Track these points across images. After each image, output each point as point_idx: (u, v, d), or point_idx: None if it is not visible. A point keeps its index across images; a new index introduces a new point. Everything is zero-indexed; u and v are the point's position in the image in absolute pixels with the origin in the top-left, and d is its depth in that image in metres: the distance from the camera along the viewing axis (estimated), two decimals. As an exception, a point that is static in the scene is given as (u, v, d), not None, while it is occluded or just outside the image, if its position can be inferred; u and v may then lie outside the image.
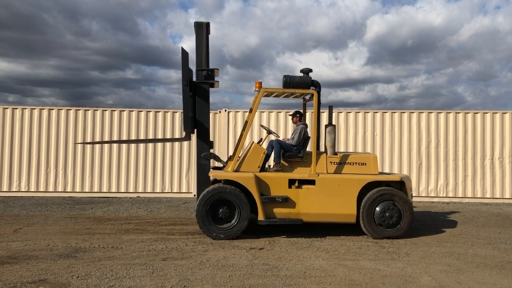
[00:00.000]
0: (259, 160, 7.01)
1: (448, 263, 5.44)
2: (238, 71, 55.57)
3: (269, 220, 6.77)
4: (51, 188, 11.86)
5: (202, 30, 7.18)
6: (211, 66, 7.31)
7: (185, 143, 12.05)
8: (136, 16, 50.62)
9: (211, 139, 7.60)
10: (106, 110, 12.12)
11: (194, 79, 7.26)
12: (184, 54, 6.87)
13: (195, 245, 6.26)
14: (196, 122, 7.25)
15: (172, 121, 12.14)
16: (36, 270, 4.93)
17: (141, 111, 12.17)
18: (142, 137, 12.04)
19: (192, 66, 7.23)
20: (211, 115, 8.71)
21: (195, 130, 7.31)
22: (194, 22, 7.21)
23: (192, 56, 7.21)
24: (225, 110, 12.22)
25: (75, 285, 4.45)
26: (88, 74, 48.02)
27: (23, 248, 5.93)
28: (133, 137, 12.02)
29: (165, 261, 5.36)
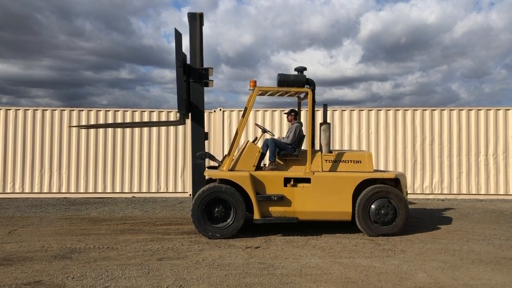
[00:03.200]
0: (254, 159, 7.01)
1: (443, 260, 5.47)
2: (233, 70, 55.52)
3: (264, 218, 6.77)
4: (45, 189, 11.81)
5: (195, 20, 7.16)
6: (205, 65, 7.29)
7: (180, 143, 12.04)
8: (129, 15, 50.48)
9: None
10: (100, 111, 12.07)
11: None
12: (178, 35, 6.86)
13: (191, 244, 6.25)
14: (191, 105, 7.22)
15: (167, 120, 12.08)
16: (31, 271, 4.90)
17: (136, 111, 12.12)
18: (136, 138, 11.99)
19: (187, 56, 7.21)
20: (205, 114, 8.65)
21: (190, 114, 7.28)
22: (188, 13, 7.20)
23: (187, 52, 7.23)
24: (220, 110, 12.20)
25: (71, 286, 4.42)
26: (82, 74, 47.81)
27: (17, 250, 5.89)
28: (128, 139, 11.97)
29: (161, 261, 5.35)
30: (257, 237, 6.73)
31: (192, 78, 7.15)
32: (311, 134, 7.15)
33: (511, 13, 41.74)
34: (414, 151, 11.88)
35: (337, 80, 51.74)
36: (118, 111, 12.06)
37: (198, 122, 7.24)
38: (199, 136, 7.24)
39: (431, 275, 4.84)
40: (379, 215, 6.83)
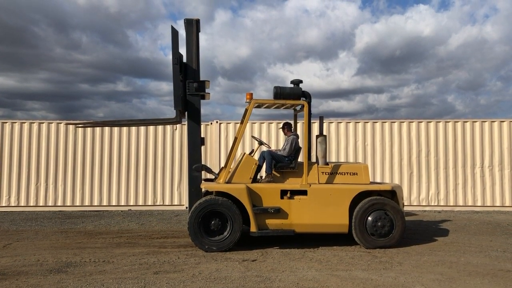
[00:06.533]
0: (250, 171, 7.01)
1: (440, 272, 5.46)
2: (230, 83, 55.72)
3: (261, 231, 6.75)
4: (41, 203, 11.74)
5: (192, 27, 7.27)
6: (202, 77, 7.37)
7: (177, 156, 12.03)
8: (126, 28, 50.69)
9: (202, 151, 7.57)
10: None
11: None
12: (174, 32, 6.96)
13: (187, 257, 6.22)
14: (187, 103, 7.26)
15: (163, 133, 12.10)
16: (26, 286, 4.86)
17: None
18: (133, 151, 11.98)
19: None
20: (202, 126, 8.63)
21: (186, 113, 7.33)
22: (184, 19, 7.31)
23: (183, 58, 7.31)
24: (217, 122, 12.23)
25: (66, 300, 4.39)
26: (78, 87, 47.81)
27: (12, 264, 5.84)
28: (124, 152, 11.97)
29: (157, 274, 5.32)
30: (253, 250, 6.70)
31: (188, 77, 7.23)
32: (307, 146, 7.17)
33: (505, 25, 42.27)
34: (410, 163, 11.92)
35: (333, 92, 52.00)
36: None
37: (195, 119, 7.28)
38: (196, 136, 7.28)
39: (428, 287, 4.83)
40: (376, 227, 6.83)
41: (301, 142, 7.46)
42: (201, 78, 7.35)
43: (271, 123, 12.15)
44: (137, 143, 12.05)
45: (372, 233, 6.85)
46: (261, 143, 7.70)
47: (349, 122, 12.18)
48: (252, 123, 12.13)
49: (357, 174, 7.14)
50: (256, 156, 7.55)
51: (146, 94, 56.17)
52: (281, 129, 7.89)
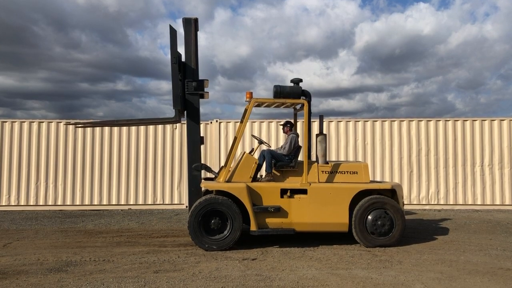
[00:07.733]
0: (250, 170, 7.01)
1: (440, 271, 5.46)
2: (229, 82, 55.73)
3: (261, 230, 6.76)
4: (41, 202, 11.75)
5: (190, 26, 7.28)
6: (201, 76, 7.39)
7: (176, 155, 12.03)
8: (126, 27, 50.66)
9: (202, 150, 7.58)
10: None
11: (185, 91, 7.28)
12: (173, 32, 6.99)
13: (187, 256, 6.22)
14: (186, 102, 7.28)
15: (163, 132, 12.11)
16: (26, 285, 4.86)
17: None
18: (133, 150, 11.99)
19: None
20: (202, 125, 8.67)
21: (185, 112, 7.34)
22: (183, 18, 7.32)
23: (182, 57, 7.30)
24: (216, 121, 12.23)
25: (66, 299, 4.39)
26: (78, 86, 47.81)
27: (12, 263, 5.85)
28: (124, 150, 11.97)
29: (157, 273, 5.32)
30: (253, 249, 6.71)
31: (187, 76, 7.24)
32: (307, 145, 7.17)
33: (505, 24, 42.26)
34: (410, 162, 11.92)
35: (333, 91, 52.01)
36: (115, 123, 12.02)
37: (194, 119, 7.28)
38: (195, 135, 7.29)
39: (428, 286, 4.84)
40: (376, 226, 6.83)
41: (301, 141, 7.46)
42: (200, 77, 7.36)
43: (271, 122, 12.15)
44: (137, 142, 12.05)
45: (372, 232, 6.85)
46: (261, 142, 7.70)
47: (349, 121, 12.18)
48: (252, 122, 12.12)
49: (357, 173, 7.14)
50: (256, 155, 7.55)
51: (145, 93, 56.18)
52: (281, 127, 7.88)
